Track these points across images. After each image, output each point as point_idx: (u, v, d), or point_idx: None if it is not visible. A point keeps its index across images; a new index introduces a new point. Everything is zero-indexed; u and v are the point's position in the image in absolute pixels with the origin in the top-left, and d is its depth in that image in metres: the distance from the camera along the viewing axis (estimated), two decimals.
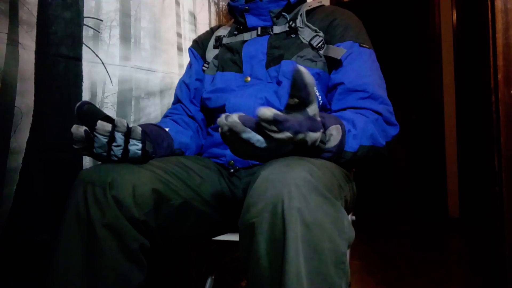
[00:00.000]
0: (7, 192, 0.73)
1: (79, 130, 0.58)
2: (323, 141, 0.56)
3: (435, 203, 2.69)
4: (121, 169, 0.64)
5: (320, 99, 0.81)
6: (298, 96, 0.51)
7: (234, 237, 0.82)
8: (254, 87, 0.84)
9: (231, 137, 0.50)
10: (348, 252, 0.86)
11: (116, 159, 0.63)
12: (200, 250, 1.20)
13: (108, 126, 0.60)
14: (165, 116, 0.97)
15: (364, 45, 0.81)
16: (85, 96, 0.88)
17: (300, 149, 0.52)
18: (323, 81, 0.83)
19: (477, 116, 2.09)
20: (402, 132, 0.77)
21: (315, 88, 0.53)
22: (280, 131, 0.47)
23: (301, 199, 0.44)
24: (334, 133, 0.59)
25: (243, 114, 0.49)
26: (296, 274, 0.42)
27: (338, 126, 0.60)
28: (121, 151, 0.62)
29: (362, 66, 0.79)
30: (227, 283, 1.25)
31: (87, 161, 0.88)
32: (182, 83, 0.98)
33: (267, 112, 0.46)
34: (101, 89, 0.92)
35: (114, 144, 0.61)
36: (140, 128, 0.64)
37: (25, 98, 0.77)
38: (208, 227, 0.79)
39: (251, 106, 0.80)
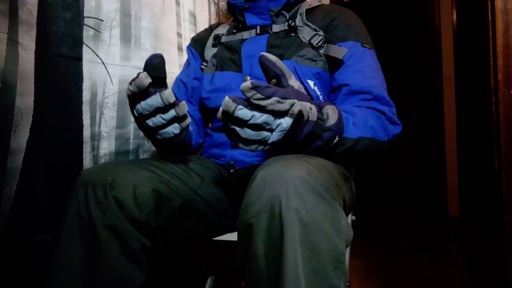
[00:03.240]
0: (7, 192, 0.73)
1: (146, 79, 0.59)
2: (321, 119, 0.57)
3: (435, 203, 2.69)
4: (122, 170, 0.64)
5: (321, 98, 0.81)
6: (274, 75, 0.54)
7: (234, 237, 0.82)
8: None
9: (227, 121, 0.51)
10: (347, 252, 0.86)
11: (150, 124, 0.63)
12: (200, 250, 1.20)
13: (172, 98, 0.60)
14: None
15: (366, 45, 0.81)
16: (86, 96, 0.88)
17: (299, 124, 0.53)
18: (324, 80, 0.82)
19: (477, 116, 2.09)
20: (402, 132, 0.77)
21: (283, 64, 0.56)
22: (266, 98, 0.49)
23: (298, 199, 0.44)
24: (330, 112, 0.59)
25: (233, 96, 0.50)
26: (294, 274, 0.42)
27: (333, 106, 0.61)
28: (160, 123, 0.62)
29: (366, 68, 0.78)
30: (227, 283, 1.25)
31: (87, 162, 0.88)
32: (180, 81, 0.97)
33: (246, 83, 0.48)
34: (102, 89, 0.92)
35: (161, 114, 0.61)
36: (189, 120, 0.65)
37: (25, 98, 0.77)
38: (208, 227, 0.79)
39: None
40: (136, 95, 0.60)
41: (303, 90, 0.57)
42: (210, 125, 0.98)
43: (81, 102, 0.87)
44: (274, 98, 0.49)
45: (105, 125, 0.93)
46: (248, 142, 0.53)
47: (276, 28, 0.88)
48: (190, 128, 0.91)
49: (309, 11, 0.88)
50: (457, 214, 2.51)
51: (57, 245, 0.60)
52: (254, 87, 0.48)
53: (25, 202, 0.76)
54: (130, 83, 0.60)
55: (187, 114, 0.64)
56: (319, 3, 0.91)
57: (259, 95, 0.48)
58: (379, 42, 1.24)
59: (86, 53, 0.88)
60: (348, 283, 0.79)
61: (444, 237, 2.33)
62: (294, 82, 0.56)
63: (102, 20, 0.92)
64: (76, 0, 0.86)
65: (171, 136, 0.64)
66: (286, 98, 0.50)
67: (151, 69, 0.62)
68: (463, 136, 2.44)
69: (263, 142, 0.52)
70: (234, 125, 0.52)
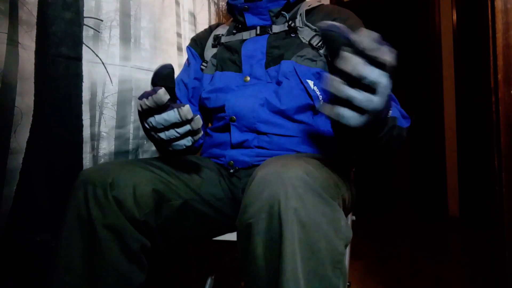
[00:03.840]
0: (7, 192, 0.73)
1: (165, 96, 0.58)
2: None
3: (435, 203, 2.68)
4: (122, 170, 0.64)
5: (320, 99, 0.81)
6: (346, 42, 0.47)
7: (234, 237, 0.82)
8: (254, 87, 0.84)
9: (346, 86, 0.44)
10: (347, 252, 0.86)
11: (163, 137, 0.62)
12: (200, 250, 1.20)
13: (190, 114, 0.60)
14: None
15: None
16: (85, 96, 0.88)
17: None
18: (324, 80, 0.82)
19: (477, 116, 2.09)
20: None
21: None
22: (377, 48, 0.42)
23: (297, 199, 0.44)
24: None
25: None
26: (293, 274, 0.42)
27: None
28: (174, 136, 0.62)
29: None
30: (227, 283, 1.25)
31: (87, 162, 0.88)
32: (181, 81, 0.97)
33: (364, 33, 0.42)
34: (101, 89, 0.92)
35: (176, 128, 0.61)
36: (202, 133, 0.64)
37: (25, 98, 0.77)
38: (208, 228, 0.79)
39: (250, 107, 0.80)
40: (151, 109, 0.60)
41: None
42: (210, 125, 0.98)
43: (81, 102, 0.87)
44: (385, 46, 0.42)
45: (105, 125, 0.93)
46: (363, 111, 0.44)
47: (276, 28, 0.88)
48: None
49: (308, 12, 0.88)
50: (457, 214, 2.51)
51: (57, 245, 0.60)
52: (365, 37, 0.42)
53: (25, 202, 0.76)
54: (146, 97, 0.59)
55: (201, 128, 0.64)
56: (318, 3, 0.91)
57: (376, 44, 0.42)
58: None
59: (86, 53, 0.88)
60: (348, 283, 0.80)
61: (444, 237, 2.33)
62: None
63: (101, 20, 0.92)
64: (76, 0, 0.86)
65: (183, 148, 0.64)
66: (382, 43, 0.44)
67: (161, 79, 0.62)
68: (463, 136, 2.44)
69: (360, 110, 0.44)
70: (351, 92, 0.44)
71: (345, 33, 0.47)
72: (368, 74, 0.43)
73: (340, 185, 0.60)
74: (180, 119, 0.60)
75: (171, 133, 0.62)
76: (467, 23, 2.31)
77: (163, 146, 0.66)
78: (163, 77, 0.62)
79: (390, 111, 0.56)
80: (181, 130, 0.61)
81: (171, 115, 0.59)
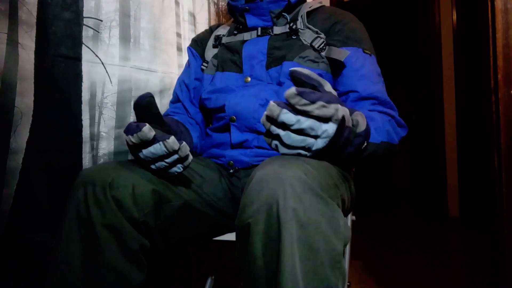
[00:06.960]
0: (7, 192, 0.73)
1: (150, 132, 0.59)
2: (353, 125, 0.57)
3: (435, 203, 2.69)
4: (122, 170, 0.64)
5: None
6: (311, 87, 0.53)
7: (234, 237, 0.82)
8: (255, 88, 0.84)
9: (271, 126, 0.51)
10: (347, 251, 0.86)
11: (153, 168, 0.64)
12: (200, 250, 1.20)
13: (176, 145, 0.61)
14: (167, 114, 0.96)
15: (367, 52, 0.82)
16: (85, 96, 0.88)
17: (342, 130, 0.52)
18: None
19: (477, 116, 2.09)
20: None
21: (316, 74, 0.55)
22: (312, 102, 0.48)
23: (296, 199, 0.44)
24: (360, 118, 0.59)
25: (278, 101, 0.50)
26: (292, 274, 0.42)
27: (361, 113, 0.61)
28: (163, 166, 0.64)
29: (370, 74, 0.81)
30: (227, 283, 1.25)
31: (86, 161, 0.88)
32: (182, 83, 0.97)
33: (291, 89, 0.48)
34: (101, 89, 0.92)
35: (165, 159, 0.63)
36: (191, 157, 0.66)
37: (25, 98, 0.77)
38: (208, 228, 0.79)
39: (251, 107, 0.80)
40: (137, 145, 0.61)
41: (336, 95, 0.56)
42: (210, 125, 0.98)
43: (80, 102, 0.87)
44: (320, 103, 0.48)
45: (104, 125, 0.93)
46: (291, 148, 0.52)
47: (277, 30, 0.88)
48: (195, 133, 0.92)
49: (309, 14, 0.88)
50: (457, 214, 2.51)
51: (56, 244, 0.60)
52: (299, 93, 0.48)
53: (25, 202, 0.76)
54: (131, 134, 0.60)
55: (189, 153, 0.65)
56: (320, 5, 0.91)
57: (304, 101, 0.48)
58: (379, 42, 1.24)
59: (86, 53, 0.88)
60: (348, 283, 0.80)
61: (444, 237, 2.33)
62: (330, 89, 0.55)
63: (101, 21, 0.92)
64: (75, 0, 0.86)
65: (175, 175, 0.66)
66: (330, 103, 0.49)
67: (142, 109, 0.64)
68: (463, 136, 2.44)
69: (306, 149, 0.52)
70: (277, 131, 0.51)
71: (312, 79, 0.54)
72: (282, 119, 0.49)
73: (339, 185, 0.60)
74: (166, 151, 0.61)
75: (160, 164, 0.63)
76: (467, 23, 2.31)
77: (157, 173, 0.67)
78: (143, 106, 0.64)
79: (365, 144, 0.61)
80: (170, 160, 0.63)
81: (157, 149, 0.61)
